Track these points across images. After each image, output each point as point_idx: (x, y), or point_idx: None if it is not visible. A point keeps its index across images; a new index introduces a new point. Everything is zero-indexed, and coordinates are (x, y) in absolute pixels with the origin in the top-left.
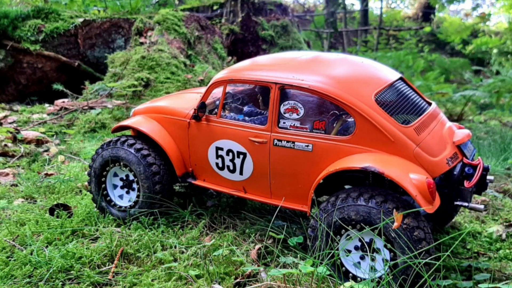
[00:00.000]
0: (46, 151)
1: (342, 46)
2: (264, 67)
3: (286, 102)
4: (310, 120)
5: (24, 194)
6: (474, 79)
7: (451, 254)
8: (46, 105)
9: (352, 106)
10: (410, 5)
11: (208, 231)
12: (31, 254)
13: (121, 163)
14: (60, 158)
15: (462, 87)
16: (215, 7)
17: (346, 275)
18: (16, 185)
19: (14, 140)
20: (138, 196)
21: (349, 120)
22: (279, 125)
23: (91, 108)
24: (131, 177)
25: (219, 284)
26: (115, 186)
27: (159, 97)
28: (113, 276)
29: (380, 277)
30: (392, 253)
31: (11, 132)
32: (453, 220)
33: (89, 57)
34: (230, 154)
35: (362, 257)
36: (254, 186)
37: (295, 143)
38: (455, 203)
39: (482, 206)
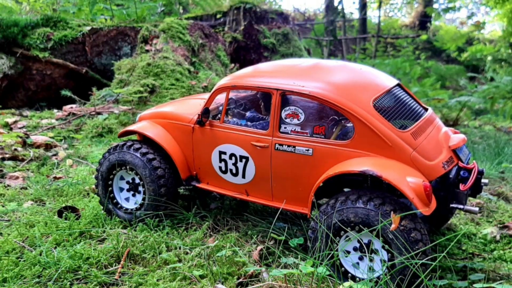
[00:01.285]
0: (54, 155)
1: (341, 54)
2: (266, 73)
3: (287, 108)
4: (310, 125)
5: (34, 197)
6: (469, 86)
7: (447, 255)
8: (55, 110)
9: (351, 112)
10: (407, 14)
11: (211, 233)
12: (40, 255)
13: (128, 167)
14: (68, 162)
15: (458, 93)
16: (218, 16)
17: (345, 275)
18: (26, 188)
19: (24, 144)
20: (143, 199)
21: (348, 125)
22: (280, 130)
23: (98, 113)
24: (137, 180)
25: (222, 284)
26: (121, 189)
27: (164, 103)
28: (120, 276)
29: (378, 277)
30: (389, 254)
31: (21, 137)
32: (449, 222)
33: (96, 64)
34: (233, 158)
35: (360, 258)
36: (256, 189)
37: (296, 147)
38: (451, 205)
39: (477, 209)
